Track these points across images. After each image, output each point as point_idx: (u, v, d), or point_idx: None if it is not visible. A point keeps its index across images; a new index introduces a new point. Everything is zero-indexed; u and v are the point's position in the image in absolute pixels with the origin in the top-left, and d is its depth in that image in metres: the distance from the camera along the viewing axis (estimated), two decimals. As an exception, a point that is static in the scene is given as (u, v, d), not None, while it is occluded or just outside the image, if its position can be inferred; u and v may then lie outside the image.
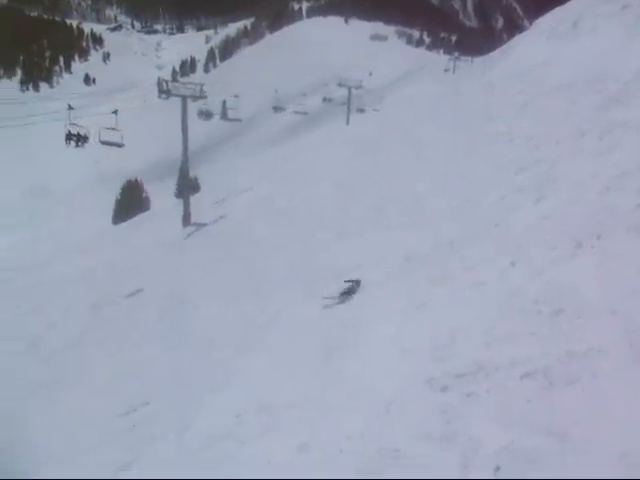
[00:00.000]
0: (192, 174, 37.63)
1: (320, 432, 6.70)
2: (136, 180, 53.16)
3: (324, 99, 63.49)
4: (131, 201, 49.30)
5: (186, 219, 28.33)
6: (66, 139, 35.94)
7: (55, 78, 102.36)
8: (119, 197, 51.32)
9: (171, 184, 49.67)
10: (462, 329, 7.34)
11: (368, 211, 14.94)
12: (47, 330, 18.54)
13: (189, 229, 26.69)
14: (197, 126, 38.96)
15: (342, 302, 10.47)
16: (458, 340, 7.20)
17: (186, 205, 28.94)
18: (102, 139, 38.08)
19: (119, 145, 37.92)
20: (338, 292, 10.70)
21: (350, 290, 10.59)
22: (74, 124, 36.09)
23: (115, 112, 36.38)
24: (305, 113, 62.16)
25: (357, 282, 10.67)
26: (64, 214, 51.17)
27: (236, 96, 66.84)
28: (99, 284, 22.66)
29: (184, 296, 16.31)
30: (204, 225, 25.78)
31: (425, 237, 11.17)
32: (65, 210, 53.15)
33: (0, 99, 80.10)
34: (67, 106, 34.14)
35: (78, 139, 36.91)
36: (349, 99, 45.47)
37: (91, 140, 39.13)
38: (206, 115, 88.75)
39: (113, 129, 37.21)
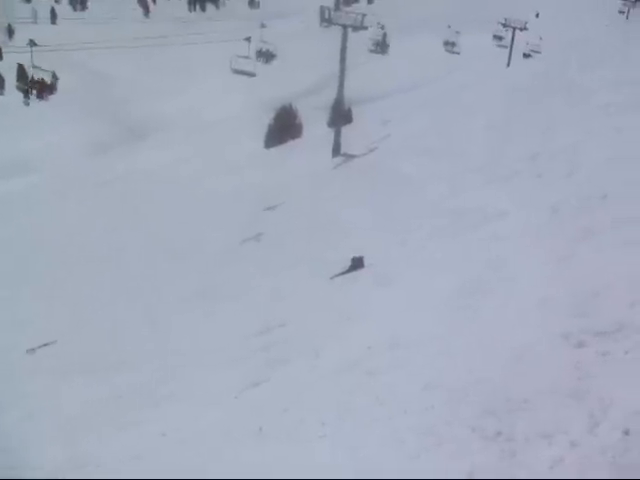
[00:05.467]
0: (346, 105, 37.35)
1: (448, 373, 6.74)
2: (290, 106, 53.56)
3: (494, 37, 58.56)
4: (284, 127, 49.81)
5: (336, 149, 28.46)
6: (257, 56, 36.91)
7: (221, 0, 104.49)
8: (272, 122, 51.95)
9: (325, 113, 49.60)
10: (606, 287, 7.10)
11: (520, 159, 14.53)
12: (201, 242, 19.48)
13: (338, 159, 26.85)
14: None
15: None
16: (600, 297, 6.98)
17: (337, 135, 29.04)
18: (234, 67, 37.66)
19: (250, 74, 37.22)
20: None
21: None
22: (264, 41, 36.30)
23: (248, 39, 35.66)
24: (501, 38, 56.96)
25: None
26: (218, 134, 52.29)
27: None
28: (248, 200, 23.34)
29: (327, 222, 16.57)
30: (353, 157, 25.84)
31: (576, 190, 10.81)
32: (219, 131, 54.29)
33: (171, 18, 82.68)
34: (260, 24, 34.87)
35: (267, 56, 37.70)
36: (512, 40, 43.76)
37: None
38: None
39: (246, 57, 36.54)
